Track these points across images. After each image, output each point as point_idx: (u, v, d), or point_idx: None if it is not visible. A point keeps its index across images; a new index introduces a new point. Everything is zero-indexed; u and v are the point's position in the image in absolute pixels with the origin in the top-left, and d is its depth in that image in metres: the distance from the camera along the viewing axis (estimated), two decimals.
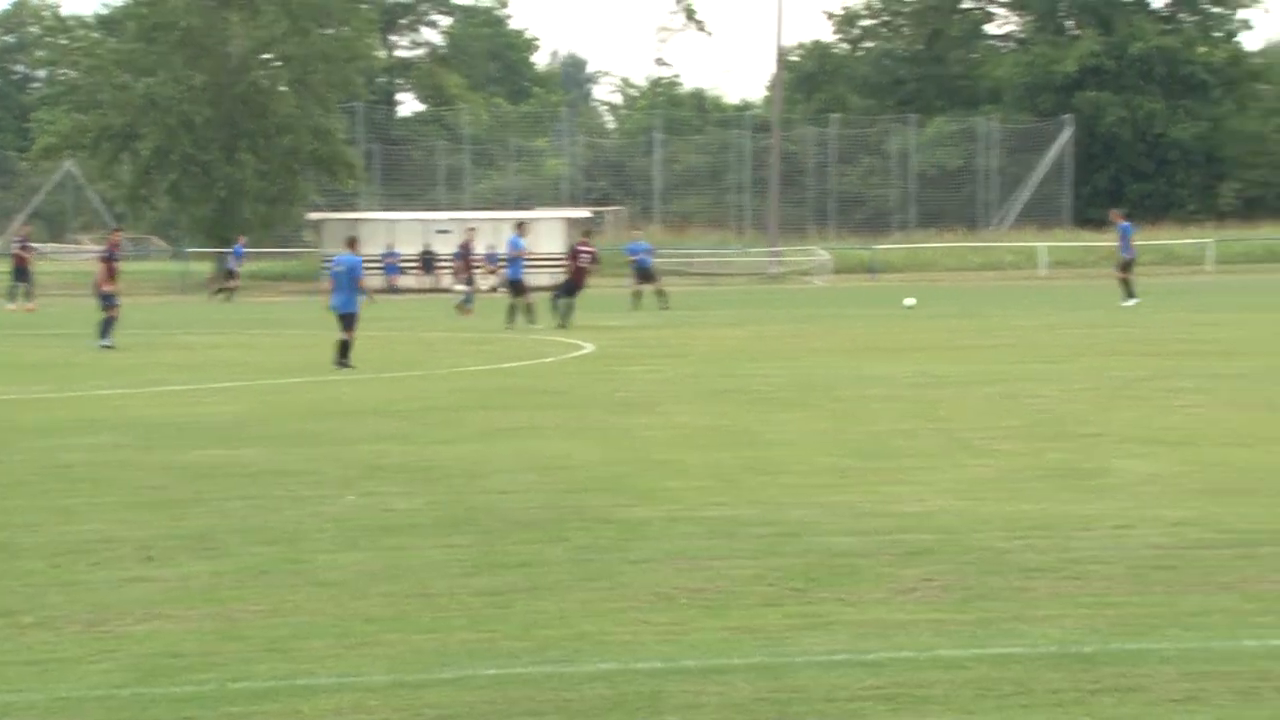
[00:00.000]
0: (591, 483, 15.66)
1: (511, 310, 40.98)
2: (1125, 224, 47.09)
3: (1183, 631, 9.68)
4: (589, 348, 33.66)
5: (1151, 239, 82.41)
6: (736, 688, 8.70)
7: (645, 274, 50.37)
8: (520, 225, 43.30)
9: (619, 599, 10.83)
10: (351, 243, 30.76)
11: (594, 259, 42.20)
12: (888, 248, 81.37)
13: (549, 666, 9.22)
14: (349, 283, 29.47)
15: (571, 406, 22.46)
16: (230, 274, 64.69)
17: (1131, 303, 44.35)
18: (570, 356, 31.61)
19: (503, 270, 44.94)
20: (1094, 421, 19.58)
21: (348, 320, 29.20)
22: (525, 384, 25.92)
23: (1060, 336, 34.25)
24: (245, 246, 66.22)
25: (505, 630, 10.06)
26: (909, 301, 46.24)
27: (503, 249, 66.71)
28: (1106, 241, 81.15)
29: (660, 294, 49.35)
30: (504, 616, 10.44)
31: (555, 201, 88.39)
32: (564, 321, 39.90)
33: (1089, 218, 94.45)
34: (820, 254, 76.18)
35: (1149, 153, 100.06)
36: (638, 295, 49.18)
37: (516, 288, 41.38)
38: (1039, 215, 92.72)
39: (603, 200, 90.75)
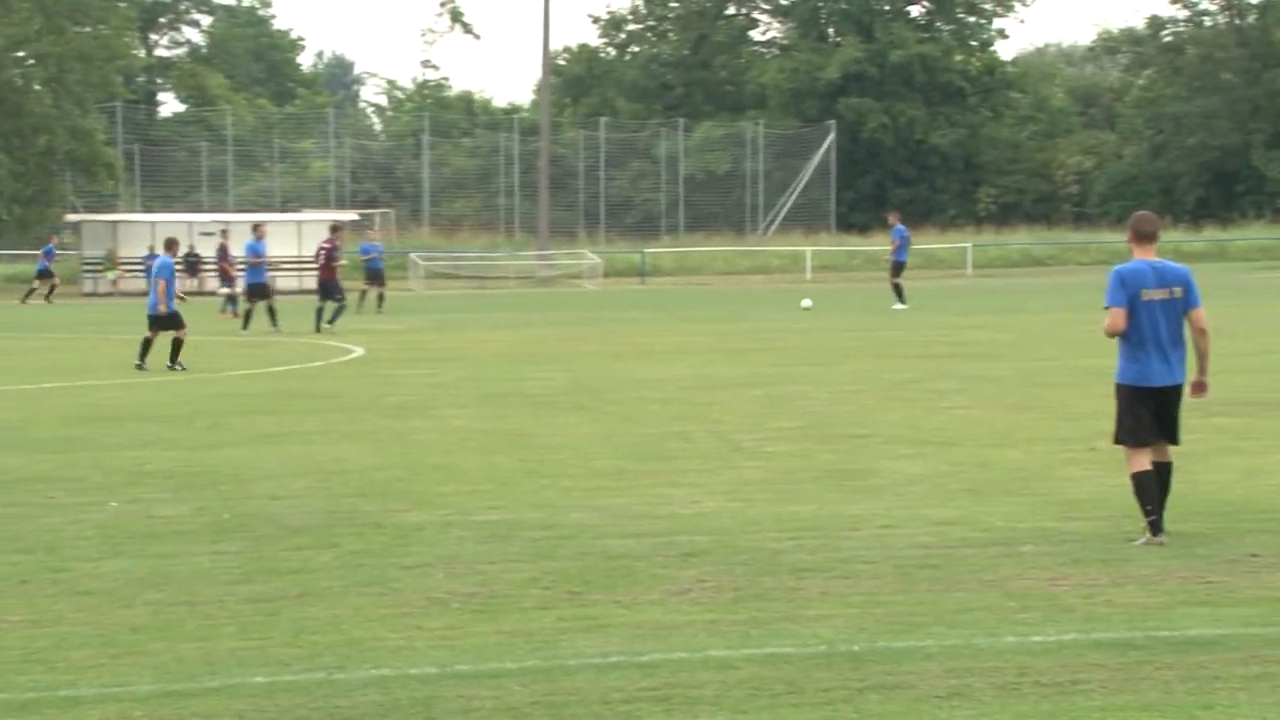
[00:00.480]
0: (364, 487, 15.56)
1: (271, 313, 40.12)
2: (901, 227, 47.84)
3: (947, 629, 9.84)
4: (359, 351, 33.40)
5: (914, 244, 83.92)
6: (511, 691, 8.70)
7: (375, 275, 49.47)
8: (257, 228, 41.98)
9: (391, 604, 10.77)
10: (170, 245, 30.62)
11: (328, 256, 40.88)
12: (657, 251, 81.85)
13: (320, 673, 9.14)
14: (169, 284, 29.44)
15: (342, 410, 22.28)
16: (44, 274, 63.02)
17: (900, 307, 44.99)
18: (340, 360, 31.33)
19: (241, 274, 43.76)
20: (862, 423, 19.86)
21: (169, 320, 29.06)
22: (294, 388, 25.65)
23: (829, 339, 34.69)
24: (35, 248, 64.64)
25: (275, 637, 9.97)
26: (806, 303, 46.36)
27: (272, 252, 66.21)
28: (870, 246, 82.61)
29: (381, 298, 48.95)
30: (274, 623, 10.34)
31: (323, 204, 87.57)
32: (320, 326, 39.29)
33: (852, 222, 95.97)
34: (590, 257, 76.38)
35: (910, 159, 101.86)
36: (363, 295, 48.38)
37: (258, 292, 40.44)
38: (805, 219, 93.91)
39: (371, 203, 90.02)
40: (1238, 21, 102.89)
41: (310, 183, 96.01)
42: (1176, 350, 12.34)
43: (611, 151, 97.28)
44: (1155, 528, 12.06)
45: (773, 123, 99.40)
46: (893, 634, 9.76)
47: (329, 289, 39.98)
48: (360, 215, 77.82)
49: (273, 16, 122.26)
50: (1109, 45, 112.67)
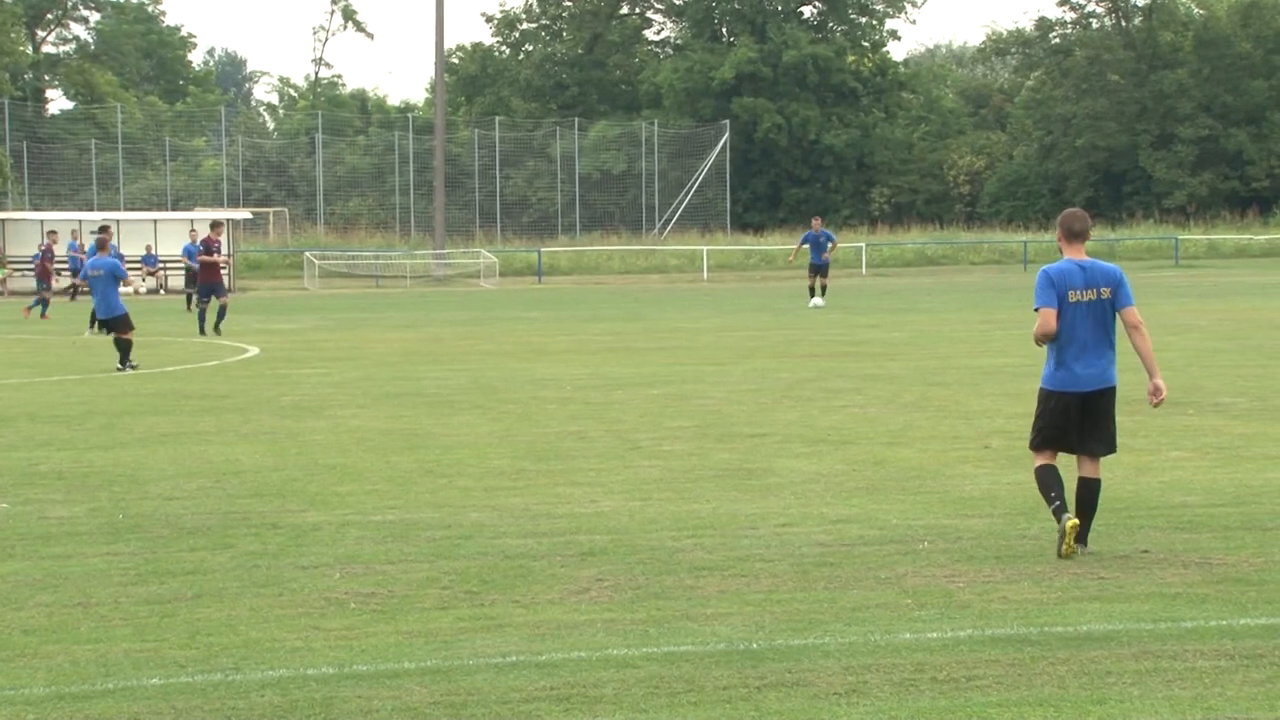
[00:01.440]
0: (259, 488, 15.47)
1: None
2: (827, 231, 49.09)
3: (844, 626, 9.88)
4: (254, 351, 33.19)
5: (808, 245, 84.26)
6: (410, 692, 8.67)
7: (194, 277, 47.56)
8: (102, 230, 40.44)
9: (289, 605, 10.71)
10: (102, 244, 30.41)
11: (205, 252, 39.50)
12: (554, 251, 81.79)
13: (217, 675, 9.08)
14: (114, 284, 29.09)
15: (237, 411, 22.12)
16: None
17: (815, 303, 46.27)
18: (235, 360, 31.11)
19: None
20: (759, 422, 19.93)
21: (118, 323, 28.91)
22: (188, 388, 25.44)
23: (726, 339, 34.79)
24: None
25: (171, 639, 9.89)
26: (817, 302, 46.53)
27: (167, 251, 65.73)
28: (765, 245, 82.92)
29: (189, 298, 48.29)
30: (169, 625, 10.26)
31: (215, 203, 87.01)
32: (204, 329, 38.29)
33: (747, 222, 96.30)
34: (487, 257, 76.24)
35: (804, 159, 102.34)
36: (189, 299, 47.72)
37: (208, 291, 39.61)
38: (700, 219, 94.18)
39: (264, 202, 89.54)
40: (1124, 24, 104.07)
41: (202, 181, 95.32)
42: (1106, 354, 11.99)
43: (507, 150, 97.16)
44: (1060, 511, 11.60)
45: (668, 122, 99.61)
46: (791, 632, 9.79)
47: (214, 289, 39.15)
48: (254, 214, 77.36)
49: (163, 13, 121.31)
50: (998, 47, 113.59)
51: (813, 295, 47.22)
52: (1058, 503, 11.62)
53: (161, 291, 64.96)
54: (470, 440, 18.79)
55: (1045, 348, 11.97)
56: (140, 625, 10.26)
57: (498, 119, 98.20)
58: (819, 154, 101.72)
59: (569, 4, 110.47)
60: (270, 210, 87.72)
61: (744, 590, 10.93)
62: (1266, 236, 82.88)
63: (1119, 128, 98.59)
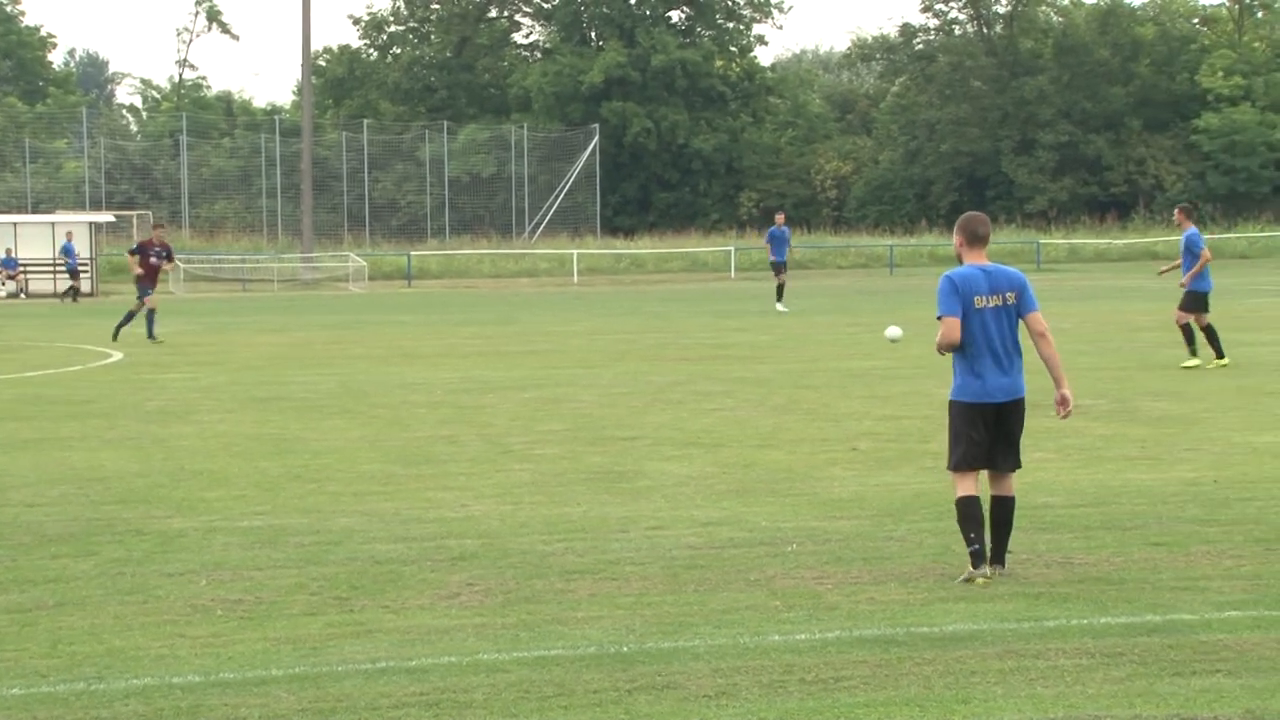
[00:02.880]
0: (124, 494, 15.29)
1: None
2: (785, 228, 47.77)
3: (714, 629, 9.92)
4: (119, 355, 32.81)
5: (677, 246, 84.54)
6: (278, 699, 8.62)
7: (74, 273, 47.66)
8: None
9: (153, 613, 10.60)
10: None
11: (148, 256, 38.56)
12: (424, 254, 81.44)
13: (80, 684, 8.97)
14: None
15: (101, 416, 21.85)
16: None
17: (782, 307, 45.32)
18: (99, 365, 30.74)
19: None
20: (630, 425, 19.96)
21: None
22: (51, 393, 25.09)
23: (597, 342, 34.79)
24: None
25: (32, 648, 9.76)
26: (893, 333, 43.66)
27: (28, 254, 64.87)
28: (635, 249, 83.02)
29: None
30: (30, 634, 10.12)
31: (77, 205, 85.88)
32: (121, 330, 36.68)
33: (617, 225, 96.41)
34: (356, 260, 75.78)
35: (674, 162, 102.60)
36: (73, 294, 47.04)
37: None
38: (571, 223, 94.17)
39: (127, 204, 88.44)
40: (986, 31, 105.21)
41: (63, 184, 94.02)
42: (1015, 361, 11.37)
43: (375, 153, 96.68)
44: (977, 558, 11.09)
45: (537, 126, 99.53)
46: (661, 634, 9.82)
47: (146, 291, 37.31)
48: (117, 217, 76.43)
49: (22, 13, 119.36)
50: (863, 52, 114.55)
51: (780, 297, 46.06)
52: (977, 546, 11.07)
53: (22, 295, 64.04)
54: (339, 445, 18.69)
55: (951, 358, 11.49)
56: (0, 635, 10.11)
57: (366, 122, 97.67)
58: (688, 158, 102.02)
59: (437, 7, 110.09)
60: (134, 213, 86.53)
61: (614, 594, 10.94)
62: (1125, 241, 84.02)
63: (982, 133, 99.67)
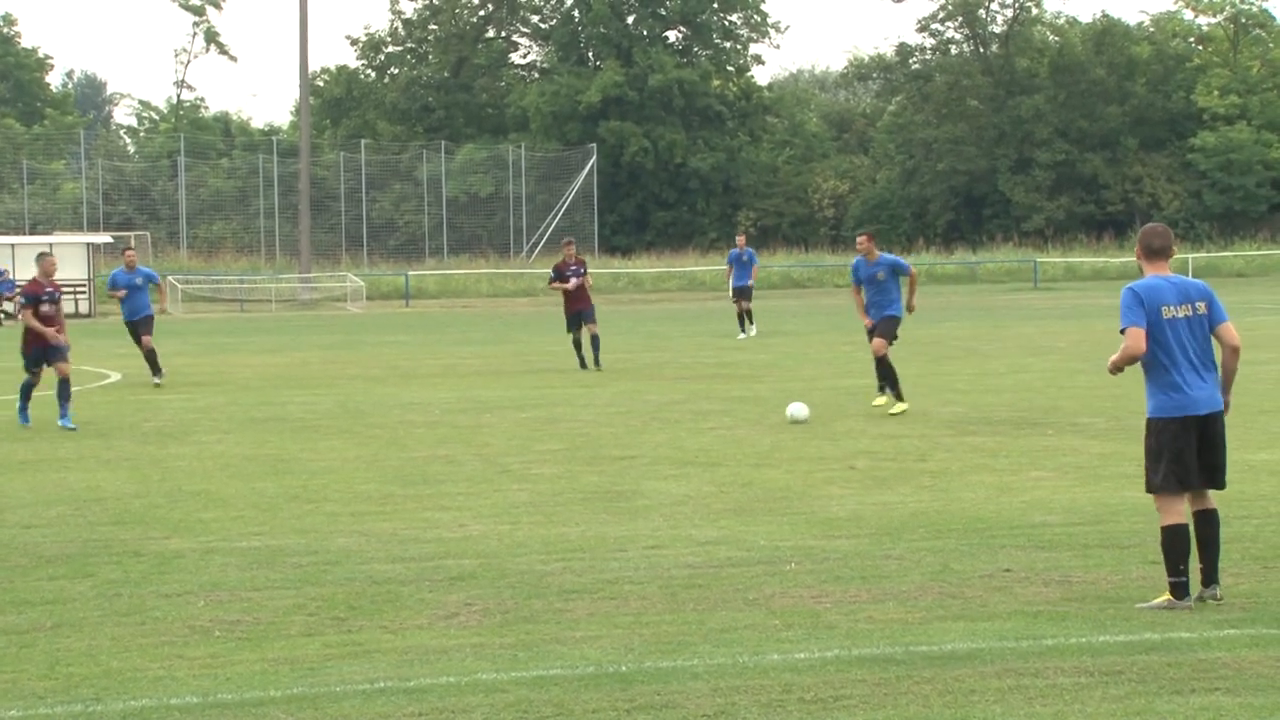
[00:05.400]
0: (121, 515, 15.28)
1: None
2: (749, 250, 44.26)
3: (713, 648, 9.90)
4: (116, 376, 32.80)
5: (675, 265, 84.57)
6: (277, 716, 8.63)
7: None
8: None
9: (151, 634, 10.59)
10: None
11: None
12: (422, 274, 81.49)
13: (78, 706, 8.96)
14: None
15: (99, 436, 21.84)
16: None
17: (746, 335, 42.21)
18: (96, 385, 30.73)
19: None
20: (628, 444, 19.96)
21: None
22: (47, 414, 25.04)
23: None
24: None
25: (30, 670, 9.76)
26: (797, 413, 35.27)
27: (27, 275, 64.63)
28: (633, 269, 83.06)
29: None
30: (28, 655, 10.12)
31: (75, 226, 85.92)
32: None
33: (616, 245, 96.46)
34: (354, 280, 75.81)
35: (671, 182, 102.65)
36: None
37: None
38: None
39: (125, 225, 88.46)
40: (982, 50, 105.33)
41: (61, 205, 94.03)
42: (1211, 372, 10.82)
43: (373, 173, 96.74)
44: (1181, 590, 10.58)
45: (535, 145, 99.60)
46: (660, 654, 9.80)
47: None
48: (115, 238, 76.43)
49: (19, 34, 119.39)
50: (860, 72, 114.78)
51: (742, 326, 42.57)
52: (1183, 579, 10.57)
53: (19, 317, 63.92)
54: (337, 465, 18.68)
55: (1145, 377, 10.87)
56: None
57: (364, 142, 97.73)
58: (685, 177, 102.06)
59: (434, 27, 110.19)
60: (132, 234, 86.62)
61: (613, 613, 10.93)
62: (1121, 259, 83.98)
63: (979, 152, 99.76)
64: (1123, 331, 10.79)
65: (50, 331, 23.32)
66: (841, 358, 34.53)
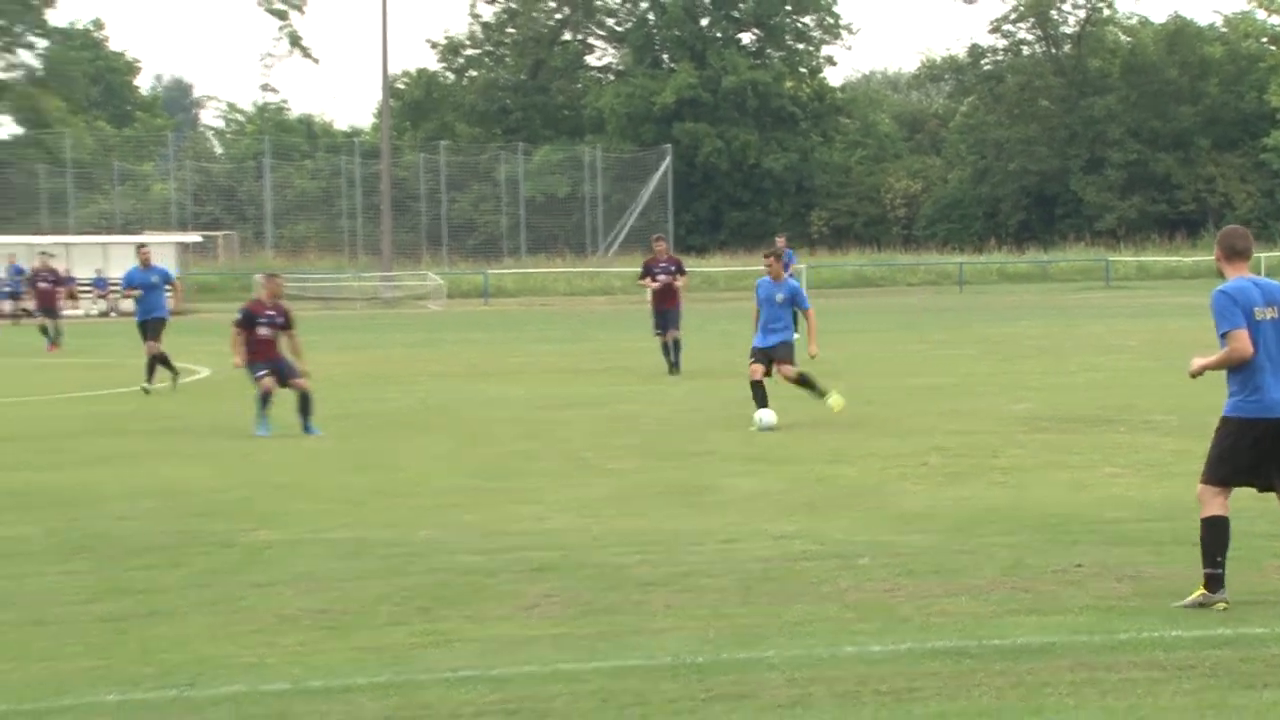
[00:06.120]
0: (212, 507, 15.41)
1: None
2: (789, 251, 46.16)
3: (788, 640, 9.90)
4: (206, 372, 33.04)
5: (749, 265, 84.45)
6: (363, 707, 8.67)
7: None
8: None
9: (242, 622, 10.68)
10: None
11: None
12: (500, 273, 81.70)
13: (172, 691, 9.05)
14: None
15: (189, 431, 22.03)
16: None
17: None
18: (186, 381, 30.94)
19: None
20: (703, 441, 19.97)
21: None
22: (138, 409, 25.31)
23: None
24: None
25: (125, 656, 9.86)
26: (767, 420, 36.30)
27: (116, 274, 65.15)
28: (708, 267, 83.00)
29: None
30: (123, 642, 10.22)
31: (164, 226, 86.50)
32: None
33: (690, 244, 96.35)
34: (434, 279, 76.09)
35: (745, 182, 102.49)
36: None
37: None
38: (644, 241, 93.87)
39: (213, 225, 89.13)
40: (1054, 51, 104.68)
41: (151, 205, 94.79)
42: None
43: (452, 174, 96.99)
44: (1216, 583, 10.56)
45: (610, 147, 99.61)
46: (736, 645, 9.81)
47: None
48: (204, 237, 77.03)
49: (107, 39, 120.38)
50: (933, 73, 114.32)
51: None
52: (1220, 571, 10.53)
53: (112, 314, 64.57)
54: (422, 460, 18.79)
55: (1227, 375, 10.74)
56: (95, 643, 10.22)
57: (443, 143, 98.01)
58: (759, 177, 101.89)
59: (512, 31, 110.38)
60: (219, 234, 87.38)
61: (690, 605, 10.94)
62: (1194, 259, 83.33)
63: (1050, 152, 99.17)
64: (1223, 335, 10.58)
65: (242, 352, 22.35)
66: (914, 355, 34.45)
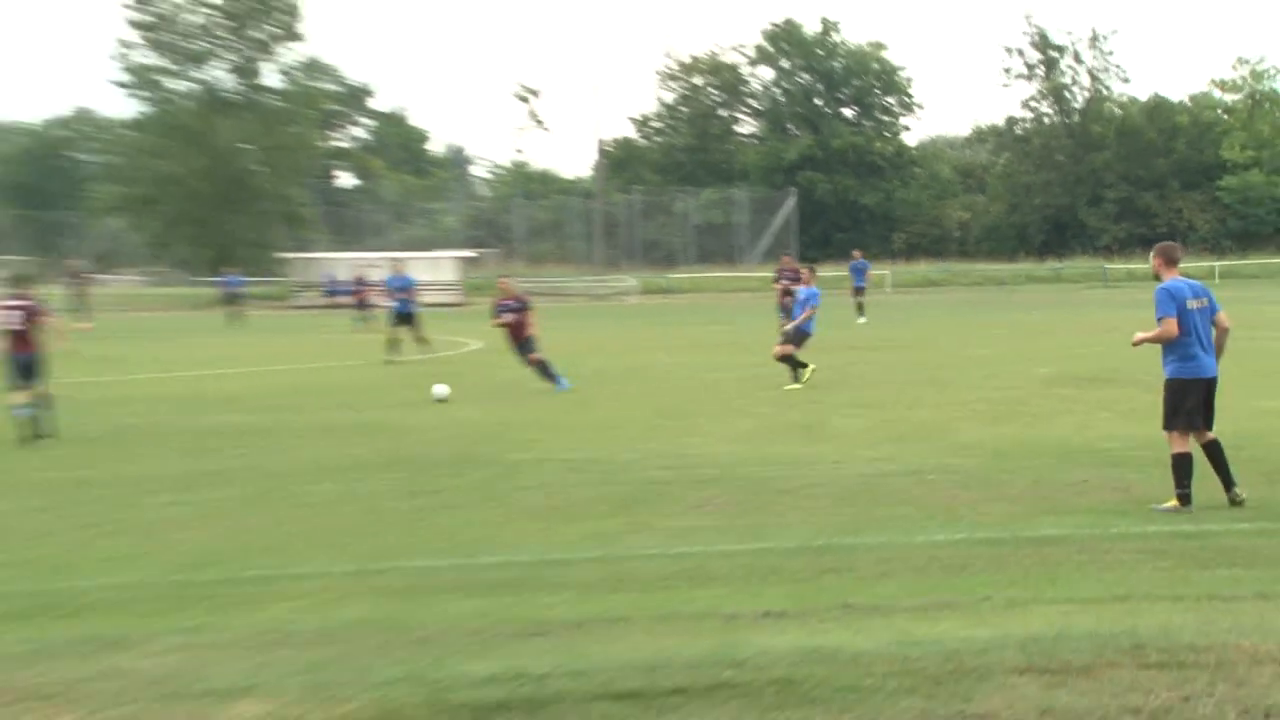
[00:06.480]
0: (483, 437, 15.60)
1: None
2: (864, 261, 47.16)
3: (877, 531, 9.87)
4: (477, 344, 33.42)
5: (843, 272, 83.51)
6: (585, 571, 8.78)
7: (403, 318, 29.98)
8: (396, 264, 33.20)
9: (504, 514, 10.85)
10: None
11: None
12: (677, 276, 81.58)
13: (460, 559, 9.23)
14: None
15: (470, 384, 22.23)
16: (235, 297, 56.00)
17: (862, 320, 41.65)
18: (463, 351, 31.36)
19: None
20: (819, 395, 19.84)
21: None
22: (432, 371, 25.61)
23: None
24: (237, 276, 61.72)
25: (427, 536, 10.05)
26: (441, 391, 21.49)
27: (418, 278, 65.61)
28: (823, 272, 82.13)
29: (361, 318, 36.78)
30: (426, 525, 10.43)
31: (449, 246, 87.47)
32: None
33: (807, 257, 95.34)
34: (631, 281, 76.21)
35: (846, 213, 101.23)
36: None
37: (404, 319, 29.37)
38: (775, 255, 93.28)
39: (481, 244, 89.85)
40: (1066, 120, 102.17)
41: (440, 231, 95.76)
42: (1211, 348, 10.63)
43: (643, 209, 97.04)
44: (1185, 499, 10.39)
45: (752, 189, 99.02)
46: (841, 534, 9.80)
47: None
48: (475, 253, 77.68)
49: (409, 117, 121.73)
50: (980, 136, 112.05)
51: (861, 313, 42.78)
52: (1187, 491, 10.39)
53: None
54: (622, 405, 18.88)
55: (1166, 349, 10.60)
56: (407, 526, 10.44)
57: (636, 188, 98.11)
58: (856, 210, 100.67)
59: (685, 110, 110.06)
60: (486, 251, 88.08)
61: (809, 506, 10.94)
62: None
63: (1063, 192, 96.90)
64: (1159, 320, 10.49)
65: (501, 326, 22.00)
66: (966, 334, 33.96)
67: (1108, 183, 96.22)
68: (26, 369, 16.12)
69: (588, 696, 5.89)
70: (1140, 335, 10.85)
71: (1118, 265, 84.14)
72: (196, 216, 71.34)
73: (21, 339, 16.13)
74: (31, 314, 16.22)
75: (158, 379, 24.82)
